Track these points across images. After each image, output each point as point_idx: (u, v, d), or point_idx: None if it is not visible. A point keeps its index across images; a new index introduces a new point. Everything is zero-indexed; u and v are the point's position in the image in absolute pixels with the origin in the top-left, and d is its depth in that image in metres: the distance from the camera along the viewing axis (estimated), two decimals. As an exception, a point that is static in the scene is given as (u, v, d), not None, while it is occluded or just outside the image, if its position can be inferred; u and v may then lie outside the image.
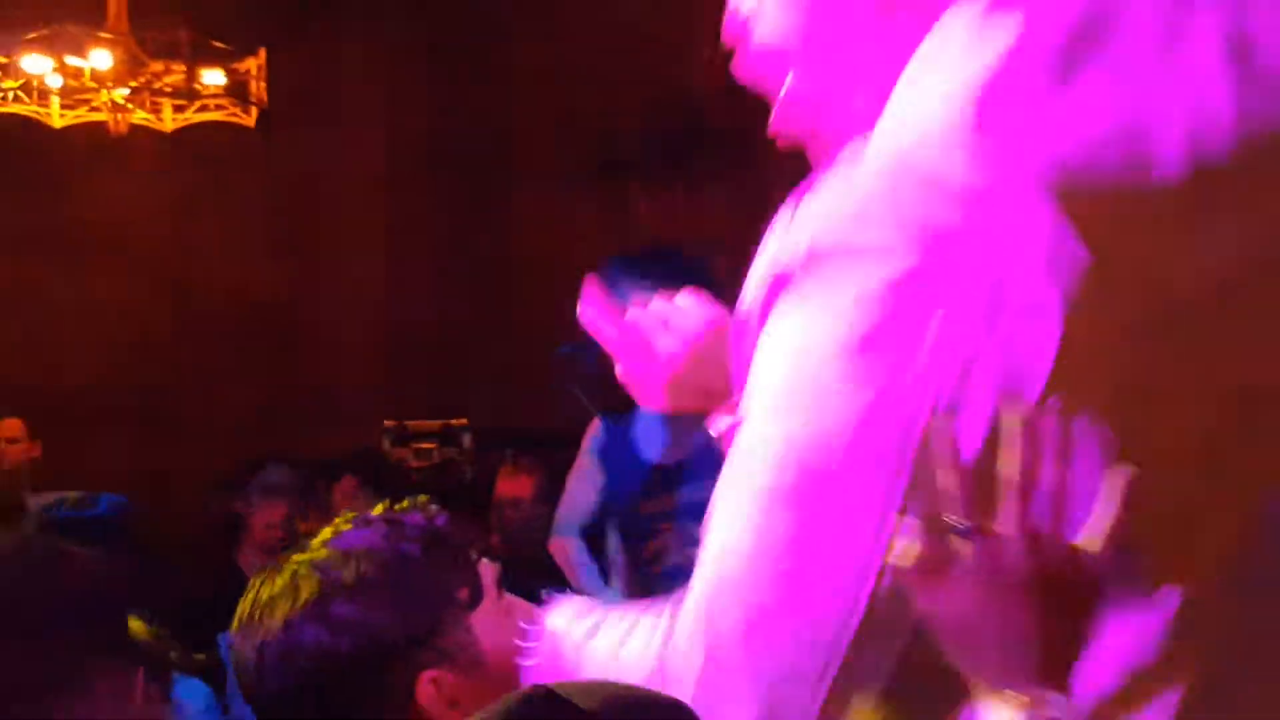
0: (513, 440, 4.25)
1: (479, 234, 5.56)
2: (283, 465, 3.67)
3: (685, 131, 4.93)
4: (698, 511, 1.06)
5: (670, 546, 3.04)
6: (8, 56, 4.39)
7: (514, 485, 3.88)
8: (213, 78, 4.38)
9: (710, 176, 4.92)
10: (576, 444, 3.16)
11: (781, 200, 0.97)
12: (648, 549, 2.97)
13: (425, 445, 5.00)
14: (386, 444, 4.93)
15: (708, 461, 1.27)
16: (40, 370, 5.09)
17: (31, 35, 4.37)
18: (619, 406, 2.80)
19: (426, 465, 4.90)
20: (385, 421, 5.05)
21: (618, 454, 3.01)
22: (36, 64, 4.43)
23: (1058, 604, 0.77)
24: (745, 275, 0.99)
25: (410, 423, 5.03)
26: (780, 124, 1.03)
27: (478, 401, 5.05)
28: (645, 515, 2.96)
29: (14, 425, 4.52)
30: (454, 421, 5.05)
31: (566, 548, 3.24)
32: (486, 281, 5.37)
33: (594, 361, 1.95)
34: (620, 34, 5.07)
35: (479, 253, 5.48)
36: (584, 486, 3.16)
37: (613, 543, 3.06)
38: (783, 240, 1.00)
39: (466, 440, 5.00)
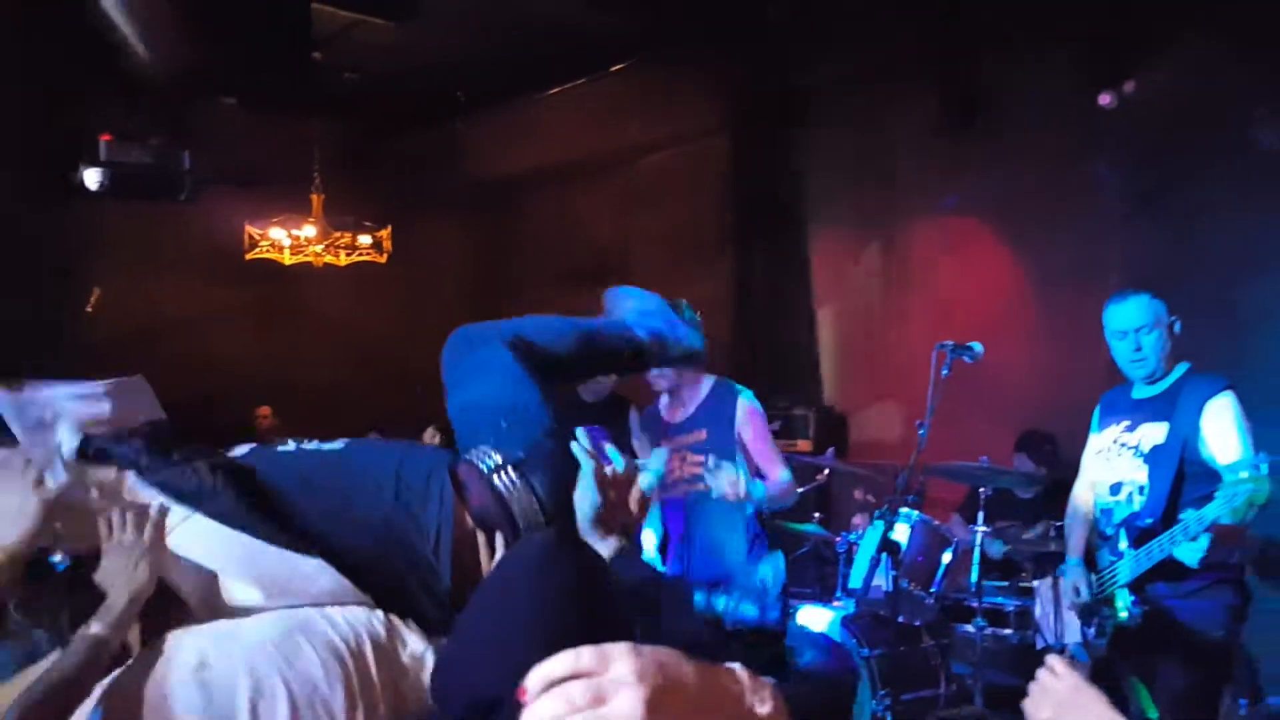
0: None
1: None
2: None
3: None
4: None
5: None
6: (262, 230, 8.30)
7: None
8: (364, 240, 8.20)
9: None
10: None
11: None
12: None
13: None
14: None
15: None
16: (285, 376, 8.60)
17: (275, 220, 8.27)
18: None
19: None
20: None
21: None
22: (277, 233, 8.31)
23: None
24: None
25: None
26: None
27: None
28: None
29: (266, 410, 8.32)
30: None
31: None
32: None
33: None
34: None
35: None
36: None
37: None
38: None
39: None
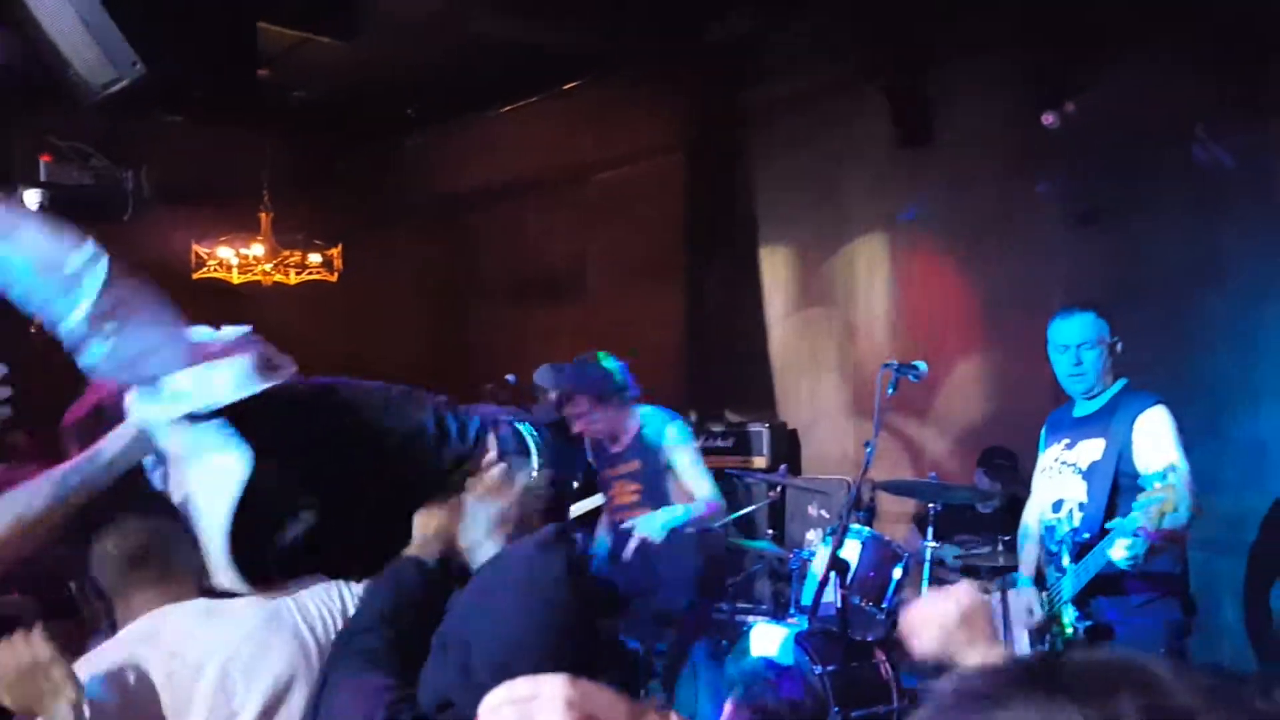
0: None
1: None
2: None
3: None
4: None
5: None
6: (210, 249, 8.18)
7: None
8: (314, 259, 8.11)
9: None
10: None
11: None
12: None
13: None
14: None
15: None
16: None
17: (223, 238, 8.15)
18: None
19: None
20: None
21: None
22: (225, 252, 8.16)
23: None
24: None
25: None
26: None
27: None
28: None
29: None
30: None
31: None
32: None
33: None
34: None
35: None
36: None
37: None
38: None
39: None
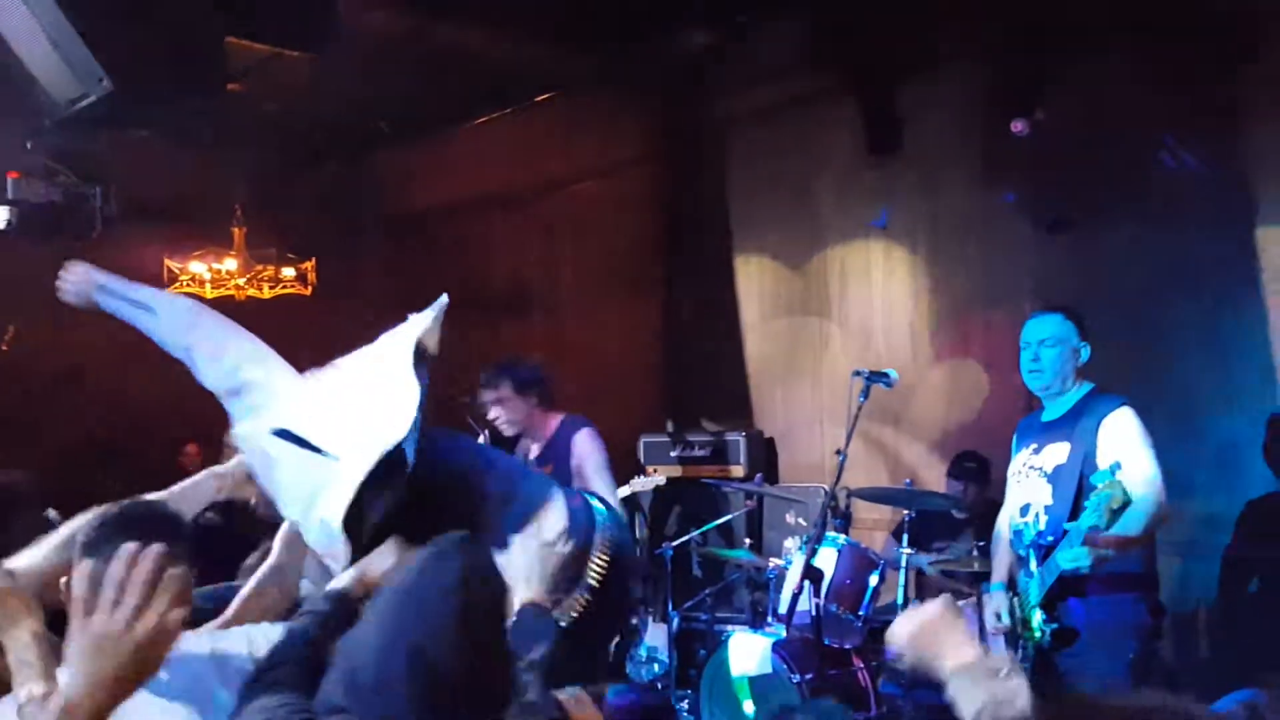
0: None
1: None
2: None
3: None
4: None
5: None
6: (182, 264, 8.13)
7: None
8: (288, 272, 8.07)
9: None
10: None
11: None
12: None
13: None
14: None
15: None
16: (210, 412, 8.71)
17: (195, 254, 8.10)
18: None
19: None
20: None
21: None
22: (197, 267, 8.12)
23: None
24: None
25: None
26: None
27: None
28: None
29: (193, 447, 8.04)
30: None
31: None
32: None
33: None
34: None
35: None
36: None
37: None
38: None
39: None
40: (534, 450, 4.66)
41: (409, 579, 1.38)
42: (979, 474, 5.31)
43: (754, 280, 7.06)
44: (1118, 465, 2.96)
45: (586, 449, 4.49)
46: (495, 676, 1.36)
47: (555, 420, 4.62)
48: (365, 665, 1.31)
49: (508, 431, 4.69)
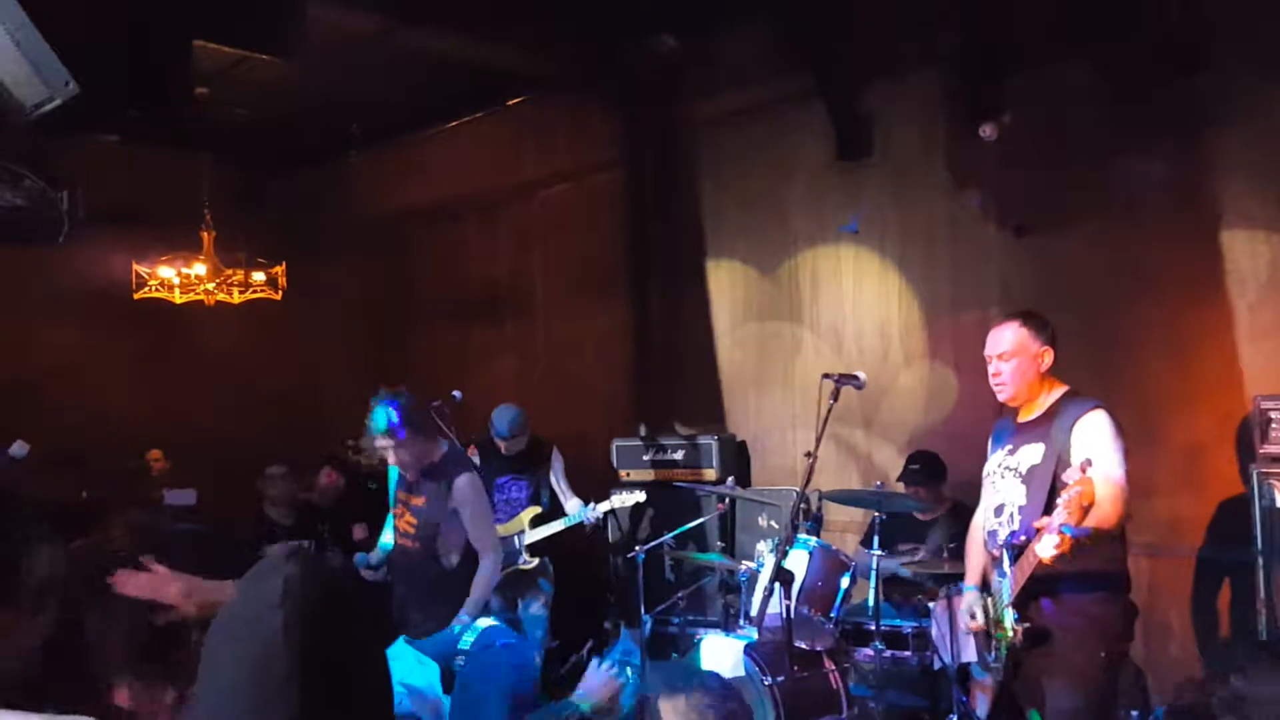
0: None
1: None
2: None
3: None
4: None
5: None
6: (150, 269, 8.04)
7: (329, 480, 6.98)
8: (258, 277, 8.00)
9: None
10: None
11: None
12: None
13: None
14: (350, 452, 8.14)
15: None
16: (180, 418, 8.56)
17: (164, 258, 8.02)
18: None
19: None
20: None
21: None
22: (167, 272, 8.03)
23: None
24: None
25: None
26: None
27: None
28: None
29: (158, 453, 8.08)
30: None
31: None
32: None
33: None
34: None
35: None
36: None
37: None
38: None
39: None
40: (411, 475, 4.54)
41: (230, 604, 1.29)
42: (925, 475, 5.32)
43: (725, 284, 7.08)
44: (1088, 462, 3.00)
45: (474, 504, 4.39)
46: (356, 682, 1.25)
47: (440, 449, 4.49)
48: (200, 692, 1.25)
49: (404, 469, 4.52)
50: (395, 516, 4.61)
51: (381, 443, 4.30)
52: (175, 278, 7.83)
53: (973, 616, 3.55)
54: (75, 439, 7.36)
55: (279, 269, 7.90)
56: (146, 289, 7.85)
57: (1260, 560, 4.43)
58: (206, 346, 8.89)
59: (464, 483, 4.32)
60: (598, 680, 2.98)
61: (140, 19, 4.39)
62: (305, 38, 4.85)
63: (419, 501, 4.43)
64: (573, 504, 6.00)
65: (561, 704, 2.95)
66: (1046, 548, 2.97)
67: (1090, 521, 3.00)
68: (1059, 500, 2.97)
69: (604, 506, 5.85)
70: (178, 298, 7.90)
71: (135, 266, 7.73)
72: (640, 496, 5.94)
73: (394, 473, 4.61)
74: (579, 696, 2.93)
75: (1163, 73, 4.98)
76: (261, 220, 8.87)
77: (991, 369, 3.55)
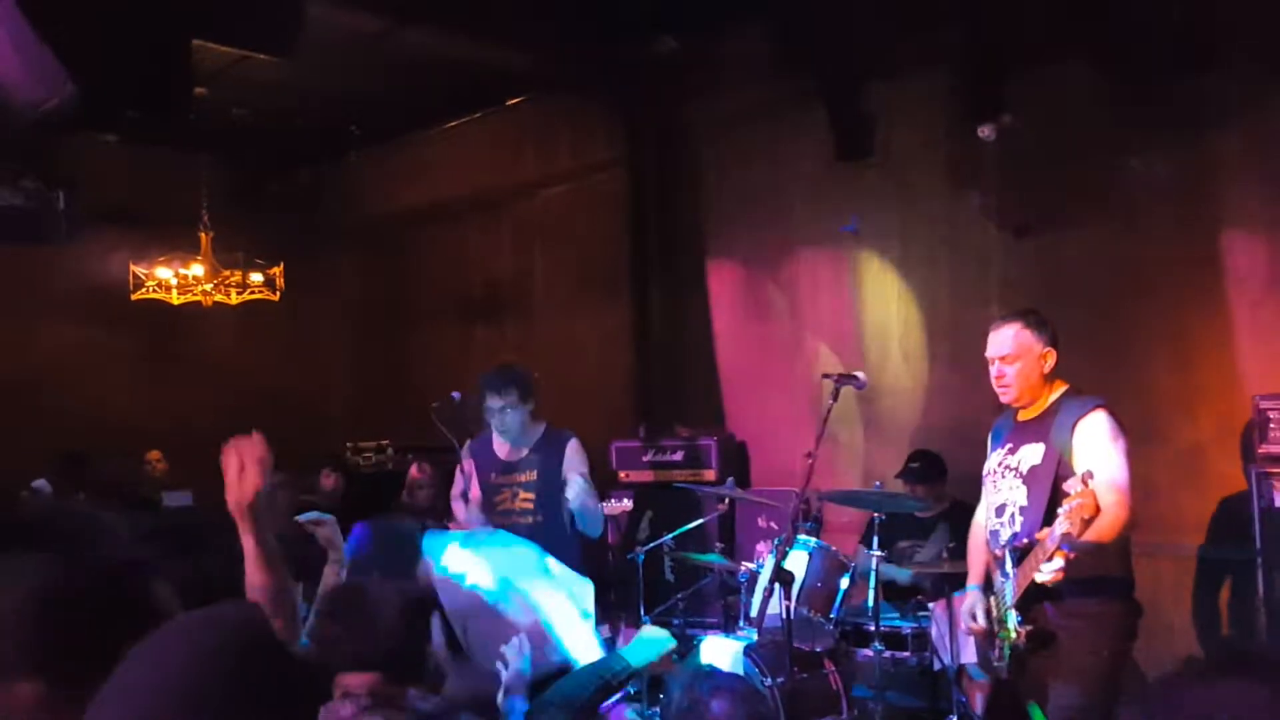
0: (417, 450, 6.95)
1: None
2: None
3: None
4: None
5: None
6: (148, 270, 8.04)
7: (420, 474, 6.45)
8: (256, 278, 7.99)
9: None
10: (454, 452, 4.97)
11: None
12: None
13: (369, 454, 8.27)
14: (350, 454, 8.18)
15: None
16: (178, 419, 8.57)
17: (161, 259, 8.02)
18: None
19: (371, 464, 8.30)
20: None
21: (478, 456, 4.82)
22: (164, 273, 8.04)
23: None
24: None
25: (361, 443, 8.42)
26: None
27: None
28: (494, 485, 4.69)
29: (156, 454, 8.07)
30: (383, 441, 8.24)
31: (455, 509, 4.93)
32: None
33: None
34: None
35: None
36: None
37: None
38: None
39: (391, 450, 8.20)
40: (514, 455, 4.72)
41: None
42: (924, 474, 5.31)
43: (726, 285, 7.08)
44: (1090, 474, 2.97)
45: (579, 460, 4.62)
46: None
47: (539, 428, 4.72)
48: None
49: (507, 438, 4.72)
50: (500, 501, 4.68)
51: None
52: (173, 278, 7.84)
53: (974, 618, 3.53)
54: (73, 439, 7.34)
55: (277, 270, 7.90)
56: (144, 290, 7.86)
57: (1260, 559, 4.43)
58: (204, 347, 8.89)
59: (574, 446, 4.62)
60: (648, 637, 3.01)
61: (139, 19, 4.39)
62: (304, 38, 4.86)
63: (529, 476, 4.60)
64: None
65: (612, 657, 2.97)
66: (1045, 574, 2.96)
67: (1091, 535, 2.97)
68: (1060, 510, 2.95)
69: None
70: (175, 298, 7.92)
71: (133, 267, 7.73)
72: (627, 505, 5.92)
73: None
74: (628, 652, 2.95)
75: (1163, 74, 4.96)
76: (260, 221, 8.84)
77: (994, 371, 3.51)
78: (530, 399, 4.65)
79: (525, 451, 4.68)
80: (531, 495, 4.61)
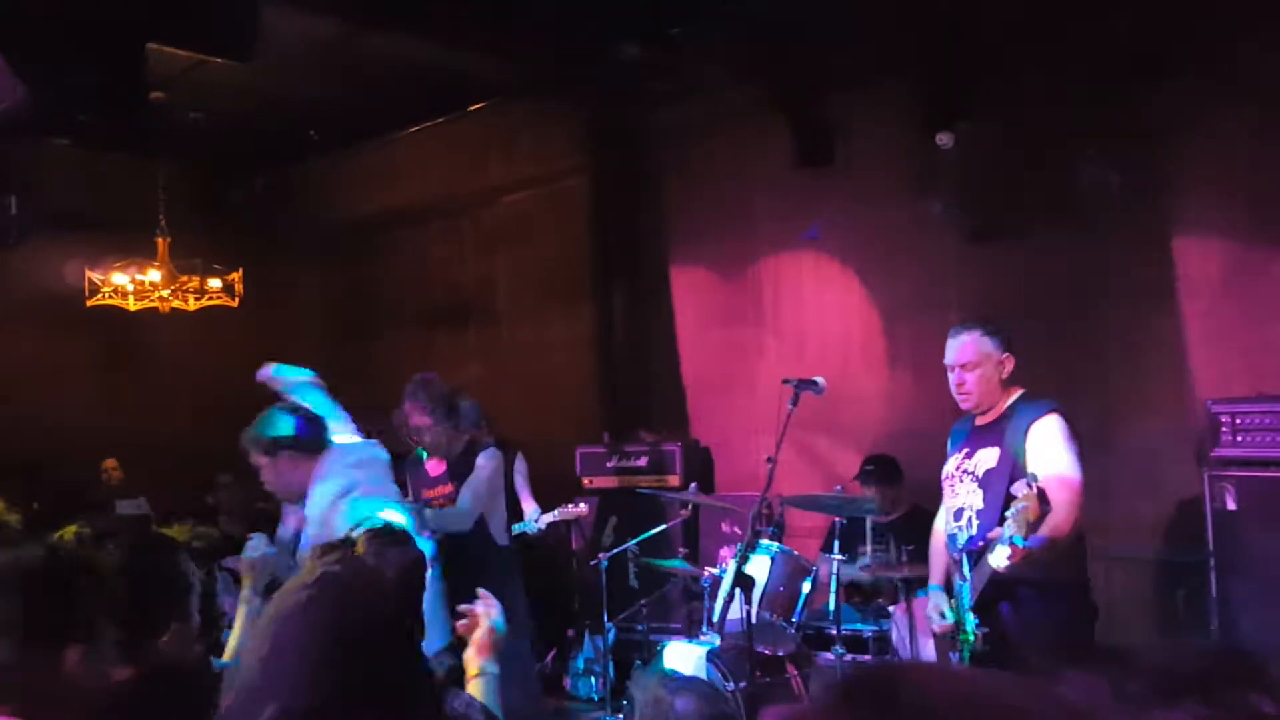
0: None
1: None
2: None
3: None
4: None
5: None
6: (104, 276, 7.91)
7: None
8: (214, 284, 7.89)
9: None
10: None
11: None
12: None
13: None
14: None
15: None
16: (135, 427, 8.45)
17: (117, 264, 7.90)
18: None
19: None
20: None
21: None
22: (121, 279, 7.91)
23: None
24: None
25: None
26: None
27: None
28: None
29: (112, 462, 7.96)
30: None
31: None
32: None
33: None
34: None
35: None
36: None
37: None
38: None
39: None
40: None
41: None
42: (880, 476, 5.36)
43: (689, 290, 7.09)
44: (1034, 477, 3.01)
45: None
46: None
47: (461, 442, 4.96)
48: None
49: (431, 451, 4.97)
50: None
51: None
52: (129, 284, 7.70)
53: (942, 616, 3.55)
54: (28, 448, 7.23)
55: (235, 276, 7.80)
56: (100, 296, 7.72)
57: (1212, 562, 4.49)
58: (162, 354, 8.79)
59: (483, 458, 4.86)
60: None
61: (94, 22, 4.33)
62: (262, 41, 4.82)
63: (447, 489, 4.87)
64: (530, 508, 5.92)
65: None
66: (999, 558, 2.98)
67: (1044, 530, 3.02)
68: (1008, 513, 2.99)
69: (547, 518, 5.77)
70: (132, 305, 7.78)
71: (88, 273, 7.60)
72: (583, 510, 5.89)
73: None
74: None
75: (1119, 81, 5.05)
76: (218, 226, 8.76)
77: (954, 378, 3.54)
78: (450, 417, 4.87)
79: (444, 467, 4.97)
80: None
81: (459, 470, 4.85)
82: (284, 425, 3.50)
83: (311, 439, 3.51)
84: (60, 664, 1.53)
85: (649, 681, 3.16)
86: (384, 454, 3.76)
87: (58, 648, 1.54)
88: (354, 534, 1.89)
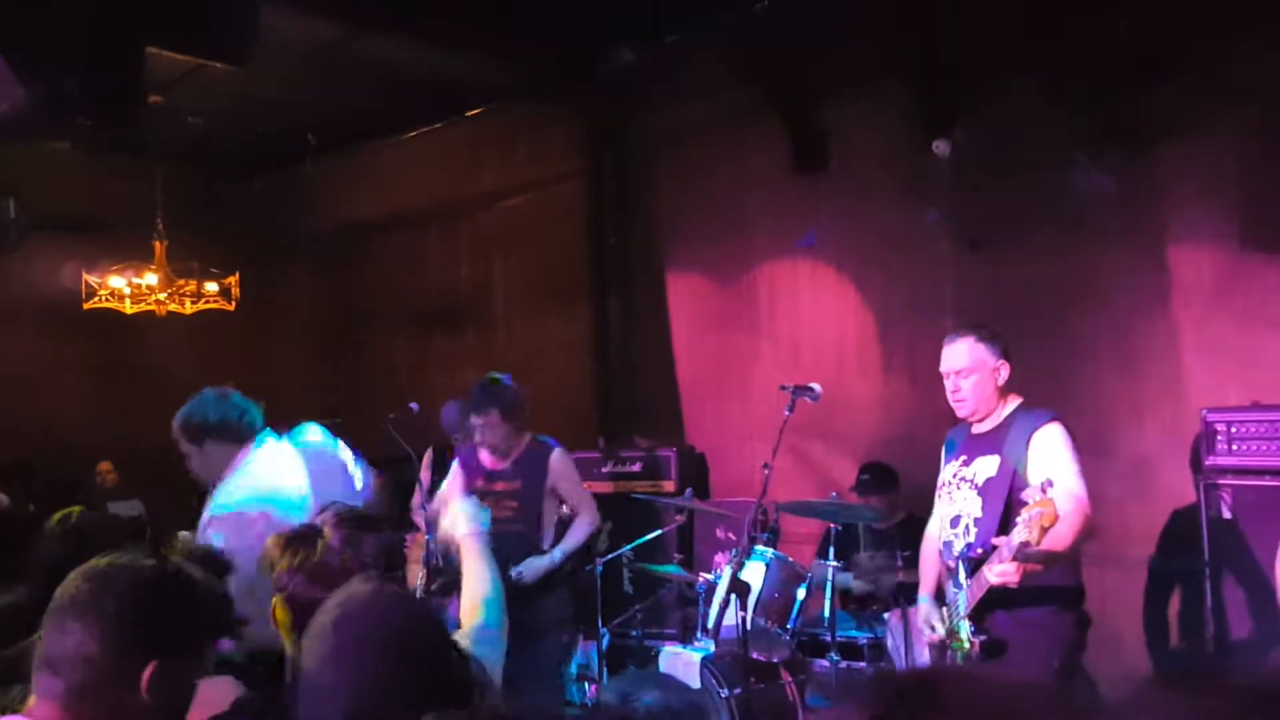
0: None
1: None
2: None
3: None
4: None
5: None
6: (101, 279, 7.92)
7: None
8: (211, 287, 7.91)
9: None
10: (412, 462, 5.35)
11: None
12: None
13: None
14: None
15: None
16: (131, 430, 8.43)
17: (114, 268, 7.91)
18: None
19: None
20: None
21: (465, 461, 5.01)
22: (117, 282, 7.94)
23: None
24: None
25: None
26: None
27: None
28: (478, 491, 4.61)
29: (107, 465, 7.95)
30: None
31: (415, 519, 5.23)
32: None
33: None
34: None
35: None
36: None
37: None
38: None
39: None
40: (499, 463, 5.02)
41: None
42: (876, 485, 5.37)
43: (685, 295, 7.10)
44: (1050, 483, 3.01)
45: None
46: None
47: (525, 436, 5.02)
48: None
49: (491, 450, 5.00)
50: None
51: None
52: (126, 288, 7.74)
53: (931, 628, 3.56)
54: (24, 450, 7.22)
55: (232, 279, 7.82)
56: (97, 299, 7.75)
57: (1207, 570, 4.50)
58: (158, 357, 8.73)
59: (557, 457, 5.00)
60: None
61: (93, 26, 4.33)
62: (260, 46, 4.83)
63: (514, 485, 4.92)
64: None
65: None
66: (995, 576, 2.99)
67: (1049, 543, 3.01)
68: (1018, 519, 2.99)
69: None
70: (128, 308, 7.82)
71: (85, 276, 7.61)
72: (564, 511, 5.88)
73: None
74: None
75: (1114, 88, 5.06)
76: (215, 230, 8.76)
77: (950, 385, 3.54)
78: (513, 416, 4.91)
79: (507, 463, 4.98)
80: (514, 504, 4.88)
81: (527, 468, 4.96)
82: (211, 410, 3.48)
83: (234, 426, 3.45)
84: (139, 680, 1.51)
85: (617, 684, 3.18)
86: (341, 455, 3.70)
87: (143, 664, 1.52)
88: (319, 519, 1.90)
